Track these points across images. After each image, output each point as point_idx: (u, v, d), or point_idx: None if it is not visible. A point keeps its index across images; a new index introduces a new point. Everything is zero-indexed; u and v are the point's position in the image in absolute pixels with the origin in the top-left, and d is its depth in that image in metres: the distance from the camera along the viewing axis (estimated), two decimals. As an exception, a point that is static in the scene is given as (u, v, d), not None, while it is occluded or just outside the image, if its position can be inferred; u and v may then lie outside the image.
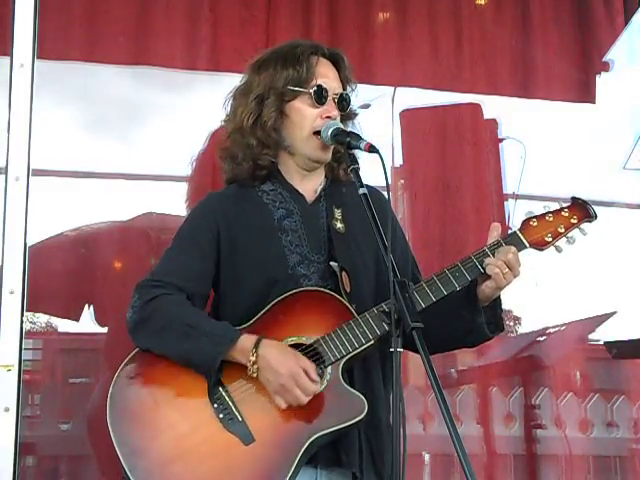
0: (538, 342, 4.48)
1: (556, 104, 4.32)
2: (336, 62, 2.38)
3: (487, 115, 4.21)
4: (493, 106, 4.22)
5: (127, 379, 2.17)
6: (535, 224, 2.23)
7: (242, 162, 2.33)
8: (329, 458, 2.13)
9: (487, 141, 4.21)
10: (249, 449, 2.06)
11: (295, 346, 2.14)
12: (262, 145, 2.30)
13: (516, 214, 4.16)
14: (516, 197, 4.17)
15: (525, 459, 4.18)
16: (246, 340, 2.10)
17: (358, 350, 2.12)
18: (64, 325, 3.76)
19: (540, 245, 2.22)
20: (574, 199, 2.27)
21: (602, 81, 4.35)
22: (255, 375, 2.09)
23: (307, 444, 2.04)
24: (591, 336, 4.52)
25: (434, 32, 4.16)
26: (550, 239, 2.22)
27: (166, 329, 2.16)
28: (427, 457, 3.94)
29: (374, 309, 2.14)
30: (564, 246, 2.24)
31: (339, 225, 2.29)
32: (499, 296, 2.26)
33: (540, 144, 4.19)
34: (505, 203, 4.20)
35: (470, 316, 2.21)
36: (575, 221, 2.23)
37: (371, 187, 2.15)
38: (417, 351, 2.11)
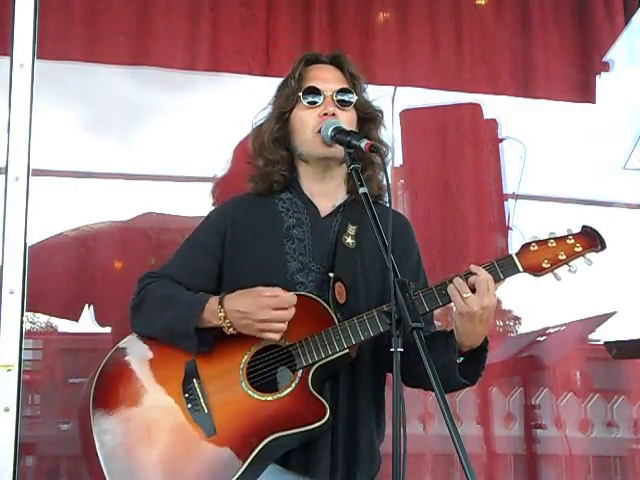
0: (538, 342, 4.47)
1: (556, 104, 4.32)
2: (337, 64, 2.40)
3: (487, 115, 4.21)
4: (493, 106, 4.22)
5: (114, 364, 2.24)
6: (535, 249, 2.15)
7: (258, 182, 2.40)
8: (302, 467, 2.15)
9: (487, 141, 4.21)
10: (209, 441, 2.11)
11: (271, 347, 2.18)
12: (271, 163, 2.36)
13: (516, 214, 4.16)
14: (516, 197, 4.16)
15: (525, 459, 4.17)
16: (212, 302, 2.16)
17: (330, 357, 2.13)
18: (64, 325, 3.76)
19: (535, 271, 2.14)
20: (584, 227, 2.17)
21: (602, 81, 4.35)
22: (233, 331, 2.12)
23: (263, 444, 2.07)
24: (591, 336, 4.51)
25: (434, 32, 4.16)
26: (548, 265, 2.13)
27: (152, 307, 2.26)
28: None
29: (354, 318, 2.14)
30: (564, 275, 2.15)
31: (349, 240, 2.30)
32: (485, 350, 2.18)
33: (540, 144, 4.19)
34: (505, 203, 4.20)
35: (443, 350, 2.14)
36: (579, 250, 2.14)
37: (400, 214, 2.15)
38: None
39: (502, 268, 2.13)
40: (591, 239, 2.15)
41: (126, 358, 2.26)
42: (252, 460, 2.06)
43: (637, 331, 3.88)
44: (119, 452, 2.12)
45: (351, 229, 2.31)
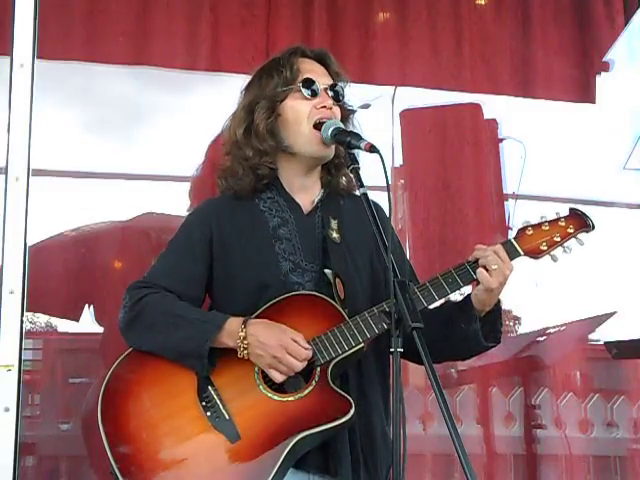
0: (538, 342, 4.48)
1: (556, 104, 4.32)
2: (322, 60, 2.40)
3: (487, 115, 4.21)
4: (493, 106, 4.22)
5: (120, 376, 2.19)
6: (531, 233, 2.22)
7: (243, 177, 2.33)
8: (319, 465, 2.14)
9: (487, 141, 4.21)
10: (234, 447, 2.08)
11: None
12: (260, 153, 2.31)
13: (516, 214, 4.17)
14: (516, 197, 4.16)
15: (525, 459, 4.18)
16: (233, 322, 2.13)
17: (347, 352, 2.13)
18: (64, 325, 3.76)
19: (535, 253, 2.21)
20: (572, 210, 2.26)
21: (602, 81, 4.35)
22: (246, 354, 2.10)
23: (292, 444, 2.05)
24: (591, 336, 4.52)
25: (434, 32, 4.16)
26: (545, 247, 2.21)
27: (155, 323, 2.20)
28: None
29: (365, 313, 2.15)
30: (560, 255, 2.23)
31: (335, 235, 2.30)
32: (499, 308, 2.24)
33: (540, 144, 4.19)
34: (505, 203, 4.20)
35: (465, 324, 2.19)
36: (572, 231, 2.22)
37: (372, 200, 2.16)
38: (413, 359, 2.13)
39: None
40: (581, 220, 2.24)
41: (129, 374, 2.21)
42: (282, 462, 2.04)
43: (637, 331, 3.88)
44: (140, 466, 2.08)
45: (333, 223, 2.31)
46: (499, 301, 2.23)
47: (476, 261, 2.16)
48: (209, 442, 2.09)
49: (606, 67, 4.36)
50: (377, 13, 4.13)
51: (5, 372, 2.45)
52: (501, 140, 4.26)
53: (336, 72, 2.39)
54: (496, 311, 2.24)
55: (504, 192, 4.20)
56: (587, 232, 2.24)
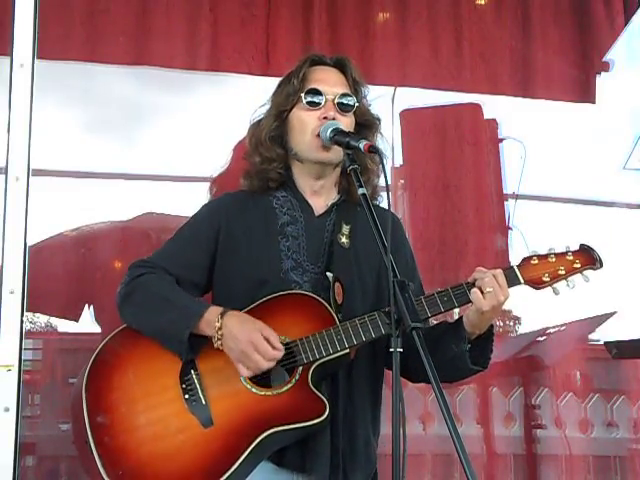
0: (538, 342, 4.48)
1: (556, 104, 4.32)
2: (341, 67, 2.40)
3: (487, 115, 4.21)
4: (493, 106, 4.22)
5: (111, 349, 2.24)
6: (535, 262, 2.20)
7: (254, 179, 2.39)
8: (298, 465, 2.16)
9: (487, 141, 4.21)
10: (206, 432, 2.12)
11: None
12: (268, 160, 2.35)
13: (516, 214, 4.16)
14: (516, 197, 4.16)
15: (525, 459, 4.17)
16: (212, 312, 2.17)
17: (331, 356, 2.14)
18: (64, 325, 3.76)
19: (536, 284, 2.20)
20: (582, 245, 2.23)
21: (602, 81, 4.35)
22: (219, 344, 2.14)
23: (260, 438, 2.08)
24: (591, 336, 4.52)
25: (434, 32, 4.16)
26: (548, 279, 2.19)
27: (145, 303, 2.25)
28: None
29: (355, 319, 2.16)
30: (562, 289, 2.21)
31: (344, 240, 2.31)
32: (491, 334, 2.23)
33: (540, 144, 4.19)
34: (505, 203, 4.20)
35: (455, 344, 2.18)
36: (578, 266, 2.20)
37: (383, 209, 2.16)
38: (408, 376, 2.15)
39: (505, 278, 2.18)
40: (589, 257, 2.22)
41: (120, 349, 2.25)
42: (248, 454, 2.07)
43: (637, 331, 3.88)
44: (112, 442, 2.12)
45: (345, 229, 2.32)
46: (492, 327, 2.22)
47: (475, 282, 2.16)
48: (182, 424, 2.13)
49: (606, 67, 4.36)
50: (377, 13, 4.14)
51: (5, 372, 2.45)
52: (501, 140, 4.26)
53: (354, 79, 2.39)
54: (487, 337, 2.22)
55: (504, 192, 4.20)
56: (594, 269, 2.21)
